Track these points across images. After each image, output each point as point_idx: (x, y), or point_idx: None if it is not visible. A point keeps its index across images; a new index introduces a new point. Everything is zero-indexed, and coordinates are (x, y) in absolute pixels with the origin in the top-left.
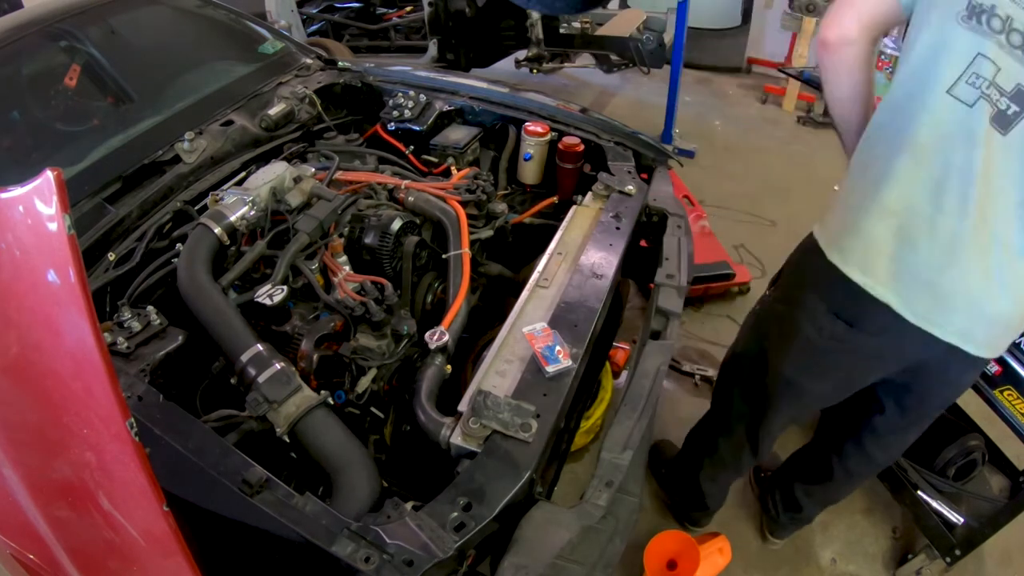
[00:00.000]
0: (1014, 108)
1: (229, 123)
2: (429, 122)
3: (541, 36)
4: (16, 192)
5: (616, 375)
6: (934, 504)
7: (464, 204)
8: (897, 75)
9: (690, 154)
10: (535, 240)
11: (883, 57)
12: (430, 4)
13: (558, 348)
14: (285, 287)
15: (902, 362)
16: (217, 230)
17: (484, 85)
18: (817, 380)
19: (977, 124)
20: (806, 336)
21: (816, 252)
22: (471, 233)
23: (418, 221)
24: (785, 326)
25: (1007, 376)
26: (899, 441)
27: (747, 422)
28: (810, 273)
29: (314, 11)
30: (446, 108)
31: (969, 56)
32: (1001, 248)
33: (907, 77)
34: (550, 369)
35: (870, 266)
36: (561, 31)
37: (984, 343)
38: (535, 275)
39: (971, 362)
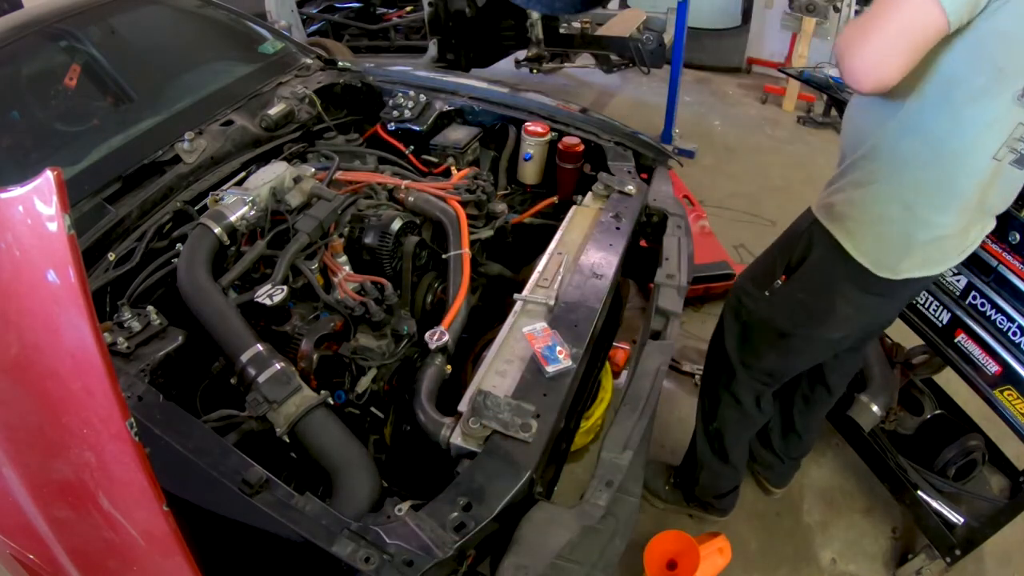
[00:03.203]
0: None
1: (229, 123)
2: (429, 122)
3: (541, 36)
4: (16, 192)
5: (616, 375)
6: (934, 504)
7: (464, 204)
8: (935, 121)
9: (690, 154)
10: (535, 240)
11: None
12: (430, 4)
13: (558, 348)
14: (285, 287)
15: (912, 296)
16: (217, 230)
17: (484, 85)
18: (846, 333)
19: (1002, 168)
20: (842, 314)
21: (852, 263)
22: (471, 233)
23: (418, 221)
24: (817, 311)
25: (1007, 376)
26: (868, 349)
27: (765, 377)
28: (843, 274)
29: (314, 11)
30: (446, 108)
31: (1012, 126)
32: (991, 214)
33: (950, 134)
34: (550, 369)
35: (919, 270)
36: (561, 31)
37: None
38: (535, 275)
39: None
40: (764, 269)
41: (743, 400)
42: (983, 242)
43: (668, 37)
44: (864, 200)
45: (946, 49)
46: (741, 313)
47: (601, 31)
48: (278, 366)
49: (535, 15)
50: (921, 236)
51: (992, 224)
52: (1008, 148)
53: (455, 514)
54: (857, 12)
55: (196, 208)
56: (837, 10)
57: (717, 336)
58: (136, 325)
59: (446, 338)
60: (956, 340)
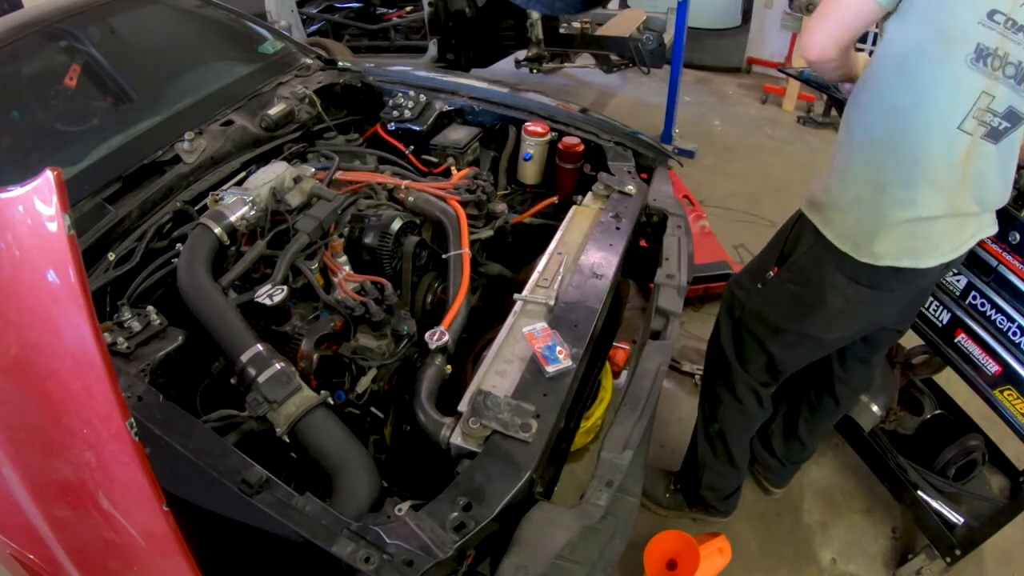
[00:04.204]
0: (1005, 124)
1: (229, 123)
2: (429, 122)
3: (541, 36)
4: (16, 192)
5: (616, 375)
6: (934, 504)
7: (464, 204)
8: (898, 95)
9: (690, 154)
10: (535, 240)
11: None
12: (430, 4)
13: (558, 348)
14: (285, 287)
15: (910, 298)
16: (217, 230)
17: (484, 85)
18: (842, 333)
19: (975, 143)
20: (833, 306)
21: (836, 251)
22: (471, 233)
23: (418, 221)
24: (807, 302)
25: (1007, 376)
26: (878, 360)
27: (763, 375)
28: (830, 262)
29: (314, 11)
30: (446, 108)
31: (976, 95)
32: (986, 207)
33: (913, 107)
34: (550, 369)
35: (900, 256)
36: (561, 31)
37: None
38: (535, 275)
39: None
40: (757, 264)
41: (744, 399)
42: (983, 242)
43: (668, 37)
44: (841, 185)
45: (897, 24)
46: (734, 308)
47: (601, 31)
48: (278, 366)
49: (535, 15)
50: (896, 216)
51: (992, 223)
52: (976, 119)
53: (455, 514)
54: None
55: (196, 208)
56: None
57: (715, 336)
58: (136, 325)
59: (446, 338)
60: (956, 340)
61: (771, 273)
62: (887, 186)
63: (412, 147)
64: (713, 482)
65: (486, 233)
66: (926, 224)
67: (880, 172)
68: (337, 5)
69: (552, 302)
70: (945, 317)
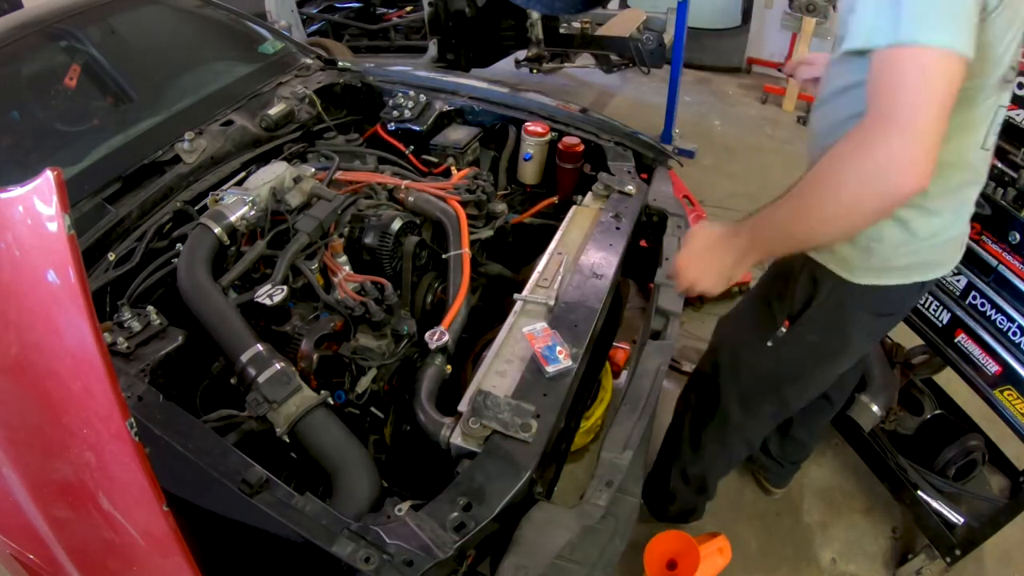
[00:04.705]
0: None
1: (229, 123)
2: (429, 122)
3: (541, 36)
4: (16, 192)
5: (616, 375)
6: (934, 504)
7: (464, 204)
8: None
9: (690, 154)
10: (535, 240)
11: None
12: (430, 4)
13: (558, 348)
14: (285, 287)
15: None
16: (217, 230)
17: (484, 85)
18: (855, 360)
19: (988, 156)
20: (857, 344)
21: (858, 289)
22: (471, 233)
23: (418, 221)
24: (831, 348)
25: (1007, 376)
26: (862, 364)
27: (767, 424)
28: (853, 303)
29: (314, 11)
30: (446, 108)
31: (994, 111)
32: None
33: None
34: (550, 369)
35: (928, 270)
36: (561, 31)
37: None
38: (535, 275)
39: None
40: (759, 318)
41: (734, 449)
42: (983, 242)
43: (668, 37)
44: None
45: None
46: (741, 371)
47: (601, 31)
48: (278, 366)
49: (535, 15)
50: (921, 243)
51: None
52: (993, 135)
53: (455, 514)
54: None
55: (196, 208)
56: (837, 10)
57: (710, 393)
58: (136, 325)
59: (446, 338)
60: (956, 340)
61: (783, 329)
62: (910, 220)
63: (412, 147)
64: (684, 507)
65: (486, 233)
66: (948, 242)
67: (902, 209)
68: (337, 5)
69: (552, 302)
70: (945, 317)
